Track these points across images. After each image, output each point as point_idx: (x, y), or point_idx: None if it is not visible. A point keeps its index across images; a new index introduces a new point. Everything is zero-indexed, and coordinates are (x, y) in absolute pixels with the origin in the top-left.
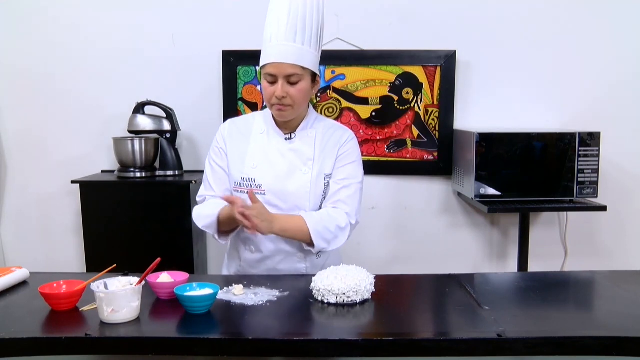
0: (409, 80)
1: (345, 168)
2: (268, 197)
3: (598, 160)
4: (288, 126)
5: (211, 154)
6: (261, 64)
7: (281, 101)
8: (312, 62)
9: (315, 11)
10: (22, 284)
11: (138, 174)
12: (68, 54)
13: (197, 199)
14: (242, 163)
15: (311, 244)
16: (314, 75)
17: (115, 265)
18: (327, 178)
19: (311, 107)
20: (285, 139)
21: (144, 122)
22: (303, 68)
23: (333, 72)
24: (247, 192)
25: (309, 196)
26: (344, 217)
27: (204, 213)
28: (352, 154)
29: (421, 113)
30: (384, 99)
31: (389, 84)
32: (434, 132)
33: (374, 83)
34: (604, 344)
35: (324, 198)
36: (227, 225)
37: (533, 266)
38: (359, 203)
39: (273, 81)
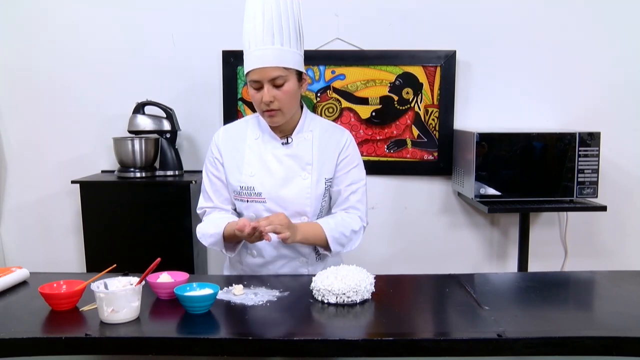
0: (409, 80)
1: (350, 173)
2: (269, 204)
3: (598, 160)
4: (283, 130)
5: (207, 165)
6: (245, 71)
7: (269, 106)
8: (294, 60)
9: (290, 9)
10: (22, 284)
11: (138, 174)
12: (68, 54)
13: (198, 211)
14: (239, 172)
15: (328, 248)
16: (300, 74)
17: (115, 265)
18: (328, 182)
19: (305, 107)
20: (282, 143)
21: (144, 122)
22: (286, 69)
23: (333, 72)
24: (254, 222)
25: (310, 201)
26: (358, 221)
27: (209, 232)
28: (353, 157)
29: (421, 113)
30: (384, 99)
31: (389, 84)
32: (434, 132)
33: (374, 83)
34: (604, 344)
35: (325, 201)
36: (234, 239)
37: (533, 266)
38: (366, 204)
39: (259, 87)
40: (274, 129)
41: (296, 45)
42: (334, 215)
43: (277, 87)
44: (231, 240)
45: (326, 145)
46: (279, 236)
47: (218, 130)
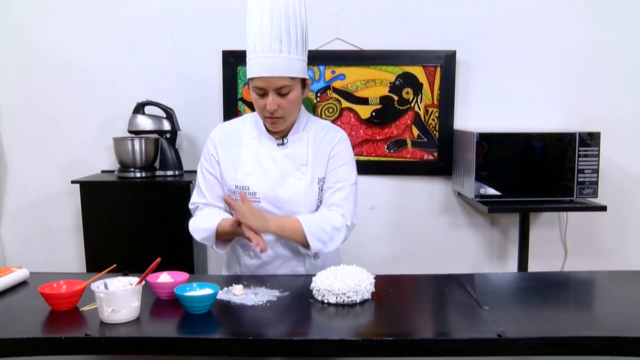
0: (409, 80)
1: (338, 171)
2: (263, 204)
3: (598, 160)
4: (280, 130)
5: (202, 161)
6: (248, 75)
7: (273, 114)
8: (300, 69)
9: (298, 12)
10: (22, 284)
11: (138, 174)
12: (68, 53)
13: (190, 206)
14: (234, 170)
15: (307, 245)
16: (303, 81)
17: (115, 265)
18: (321, 182)
19: (303, 108)
20: (278, 144)
21: (144, 122)
22: (292, 78)
23: (333, 72)
24: (239, 194)
25: (304, 202)
26: (340, 218)
27: (202, 226)
28: (343, 156)
29: (421, 113)
30: (384, 99)
31: (389, 84)
32: (434, 132)
33: (374, 83)
34: (604, 344)
35: (320, 202)
36: (225, 236)
37: (533, 266)
38: (354, 205)
39: (263, 94)
40: (271, 130)
41: (302, 52)
42: (315, 212)
43: (282, 95)
44: (224, 236)
45: (320, 145)
46: (250, 233)
47: (215, 127)
